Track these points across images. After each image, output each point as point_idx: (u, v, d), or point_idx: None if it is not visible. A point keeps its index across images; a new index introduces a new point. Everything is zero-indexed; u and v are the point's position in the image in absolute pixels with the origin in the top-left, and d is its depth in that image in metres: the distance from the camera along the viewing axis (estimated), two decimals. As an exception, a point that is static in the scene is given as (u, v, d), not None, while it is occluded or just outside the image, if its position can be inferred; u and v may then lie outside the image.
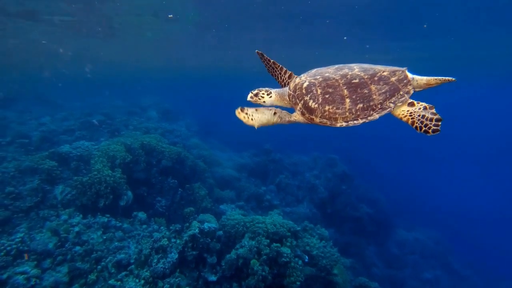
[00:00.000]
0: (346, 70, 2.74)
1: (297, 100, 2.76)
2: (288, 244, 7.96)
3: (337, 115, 2.61)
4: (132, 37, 19.08)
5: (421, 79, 2.69)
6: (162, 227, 8.51)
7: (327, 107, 2.61)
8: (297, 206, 15.88)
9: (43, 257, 6.96)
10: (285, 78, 3.00)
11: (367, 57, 23.15)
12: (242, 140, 25.46)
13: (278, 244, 7.66)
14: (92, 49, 23.39)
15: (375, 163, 30.02)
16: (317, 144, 28.14)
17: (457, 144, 46.76)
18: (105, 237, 7.73)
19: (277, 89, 3.02)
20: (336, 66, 2.91)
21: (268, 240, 7.79)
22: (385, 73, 2.65)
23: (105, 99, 26.77)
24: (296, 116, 2.85)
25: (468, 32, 15.71)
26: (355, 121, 2.61)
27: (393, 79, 2.63)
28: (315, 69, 2.94)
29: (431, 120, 2.46)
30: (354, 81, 2.61)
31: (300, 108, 2.75)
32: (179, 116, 22.26)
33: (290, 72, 2.96)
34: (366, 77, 2.64)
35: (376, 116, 2.59)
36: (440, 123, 2.43)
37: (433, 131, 2.43)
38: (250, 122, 2.90)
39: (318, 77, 2.74)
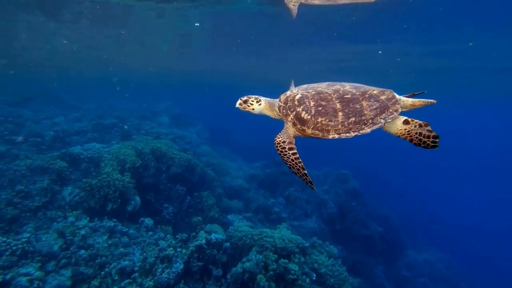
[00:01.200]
0: (338, 86, 2.87)
1: (288, 111, 2.84)
2: (296, 260, 7.75)
3: (329, 127, 2.70)
4: (149, 44, 19.34)
5: (407, 100, 2.85)
6: (168, 235, 8.39)
7: (320, 119, 2.70)
8: (305, 221, 15.62)
9: (48, 259, 6.91)
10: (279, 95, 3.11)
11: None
12: (253, 150, 25.37)
13: (286, 260, 7.48)
14: (112, 52, 23.75)
15: (386, 177, 29.49)
16: (329, 158, 27.87)
17: (470, 158, 45.73)
18: (110, 242, 7.65)
19: (267, 98, 3.13)
20: (327, 82, 3.01)
21: (276, 256, 7.60)
22: (375, 92, 2.81)
23: (119, 101, 27.12)
24: (288, 129, 2.93)
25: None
26: (347, 134, 2.70)
27: (382, 97, 2.77)
28: (306, 85, 3.05)
29: (428, 137, 2.62)
30: (346, 96, 2.74)
31: (291, 119, 2.83)
32: (190, 122, 22.34)
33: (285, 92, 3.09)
34: (357, 93, 2.77)
35: (367, 130, 2.71)
36: (437, 139, 2.60)
37: (432, 147, 2.61)
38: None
39: (310, 90, 2.86)
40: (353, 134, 2.71)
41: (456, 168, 41.85)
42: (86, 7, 12.74)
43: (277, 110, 2.99)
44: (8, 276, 5.94)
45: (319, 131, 2.73)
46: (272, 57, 22.71)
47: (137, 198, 9.05)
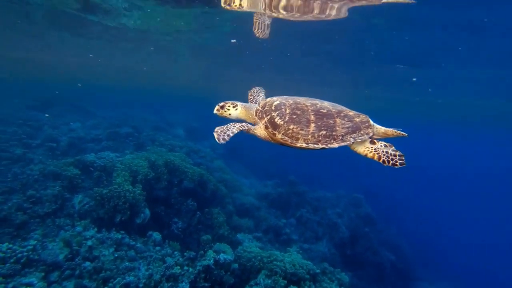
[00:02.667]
0: (317, 102, 3.05)
1: (263, 115, 2.98)
2: (306, 287, 7.40)
3: (299, 136, 2.80)
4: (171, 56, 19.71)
5: (380, 128, 3.00)
6: (175, 252, 8.16)
7: (292, 126, 2.81)
8: (315, 244, 15.28)
9: (52, 269, 6.76)
10: (258, 101, 3.27)
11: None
12: (266, 167, 25.20)
13: (295, 287, 7.15)
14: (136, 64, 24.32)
15: (401, 201, 28.78)
16: (343, 179, 27.45)
17: (492, 183, 44.04)
18: (116, 255, 7.47)
19: (243, 103, 3.23)
20: (308, 97, 3.18)
21: (286, 281, 7.30)
22: (350, 113, 3.00)
23: (136, 111, 27.53)
24: (257, 129, 3.04)
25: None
26: (315, 145, 2.80)
27: (357, 119, 2.93)
28: (286, 96, 3.18)
29: (395, 155, 2.77)
30: (322, 110, 2.90)
31: (265, 122, 2.95)
32: (205, 136, 22.36)
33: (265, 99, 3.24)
34: (333, 110, 2.95)
35: (335, 145, 2.83)
36: (403, 158, 2.76)
37: (400, 164, 2.74)
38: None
39: (289, 100, 3.02)
40: (320, 146, 2.81)
41: (479, 193, 40.38)
42: (103, 30, 13.22)
43: (254, 113, 3.12)
44: (10, 286, 5.81)
45: (288, 137, 2.83)
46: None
47: (147, 211, 8.92)
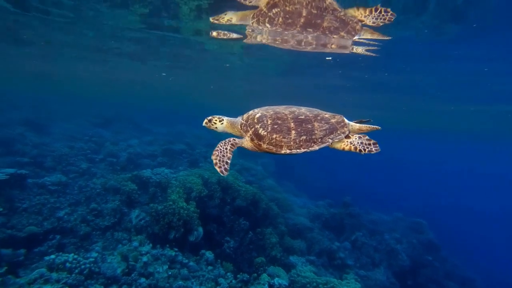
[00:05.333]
0: (295, 109, 3.31)
1: (248, 128, 3.23)
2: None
3: (282, 143, 3.08)
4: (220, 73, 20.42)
5: (355, 125, 3.33)
6: (228, 274, 8.12)
7: (275, 135, 3.08)
8: (372, 271, 14.48)
9: (110, 283, 7.09)
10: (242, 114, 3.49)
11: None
12: (318, 186, 24.65)
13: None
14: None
15: (469, 227, 26.17)
16: (399, 202, 25.93)
17: None
18: (170, 273, 7.64)
19: (229, 118, 3.47)
20: (286, 106, 3.44)
21: (346, 314, 6.83)
22: (326, 115, 3.27)
23: (190, 128, 28.79)
24: (244, 142, 3.29)
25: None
26: (298, 150, 3.09)
27: (333, 120, 3.23)
28: (267, 106, 3.44)
29: (369, 144, 3.16)
30: (300, 117, 3.17)
31: (250, 134, 3.20)
32: (257, 154, 22.53)
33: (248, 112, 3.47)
34: (311, 115, 3.21)
35: (316, 147, 3.12)
36: (377, 145, 3.16)
37: (375, 150, 3.14)
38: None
39: (270, 111, 3.27)
40: (303, 150, 3.10)
41: None
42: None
43: (239, 127, 3.34)
44: (74, 296, 6.18)
45: (273, 146, 3.11)
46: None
47: (200, 229, 9.06)
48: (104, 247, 8.81)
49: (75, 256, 7.06)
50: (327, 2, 4.99)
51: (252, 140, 3.20)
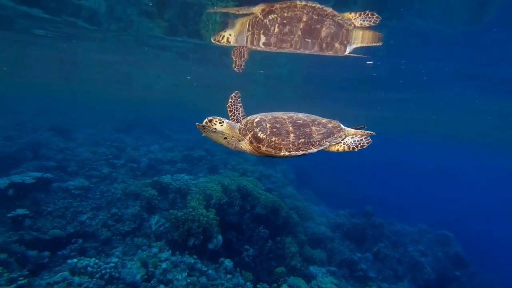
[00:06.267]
0: (292, 114, 3.48)
1: (247, 131, 3.34)
2: None
3: (281, 146, 3.20)
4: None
5: (350, 130, 3.47)
6: (248, 283, 8.04)
7: (273, 138, 3.20)
8: (396, 284, 14.21)
9: (130, 289, 7.16)
10: (239, 119, 3.65)
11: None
12: (338, 195, 24.29)
13: None
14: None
15: (500, 242, 24.99)
16: (423, 212, 25.17)
17: None
18: (189, 281, 7.63)
19: (229, 121, 3.54)
20: (284, 112, 3.59)
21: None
22: (323, 121, 3.45)
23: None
24: (243, 145, 3.40)
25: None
26: (296, 152, 3.21)
27: (329, 125, 3.39)
28: (265, 112, 3.58)
29: (361, 140, 3.35)
30: (298, 121, 3.33)
31: (249, 138, 3.31)
32: (276, 161, 22.48)
33: (245, 116, 3.61)
34: (308, 120, 3.38)
35: (314, 150, 3.25)
36: (369, 138, 3.35)
37: (367, 143, 3.33)
38: (204, 134, 3.38)
39: (268, 115, 3.43)
40: (301, 152, 3.22)
41: None
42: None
43: (238, 131, 3.44)
44: (95, 301, 6.26)
45: (272, 148, 3.21)
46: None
47: (219, 237, 9.04)
48: (124, 252, 8.93)
49: (96, 261, 7.18)
50: (328, 11, 5.48)
51: (251, 143, 3.31)
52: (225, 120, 3.53)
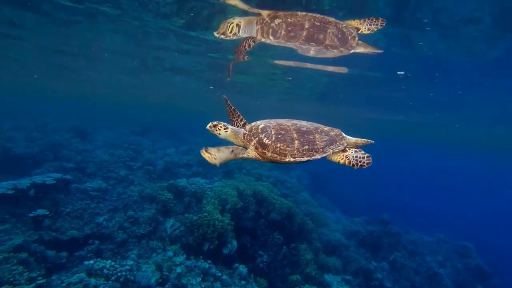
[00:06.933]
0: (296, 121, 3.57)
1: (252, 137, 3.37)
2: None
3: (286, 152, 3.25)
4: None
5: (351, 139, 3.57)
6: (262, 291, 7.97)
7: (279, 144, 3.26)
8: None
9: (144, 292, 7.20)
10: (239, 123, 3.63)
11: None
12: (353, 202, 23.95)
13: None
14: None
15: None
16: (441, 221, 24.52)
17: None
18: (203, 286, 7.62)
19: (233, 127, 3.57)
20: (287, 119, 3.68)
21: None
22: (326, 129, 3.54)
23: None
24: (249, 152, 3.39)
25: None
26: (301, 158, 3.27)
27: (332, 133, 3.48)
28: (268, 119, 3.64)
29: (363, 158, 3.35)
30: (302, 128, 3.41)
31: (254, 143, 3.34)
32: (291, 167, 22.35)
33: (245, 120, 3.60)
34: (312, 128, 3.46)
35: (318, 156, 3.32)
36: (370, 158, 3.33)
37: (367, 164, 3.32)
38: (213, 161, 3.33)
39: (272, 122, 3.49)
40: (306, 158, 3.29)
41: None
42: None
43: (242, 137, 3.46)
44: (110, 304, 6.32)
45: (277, 154, 3.26)
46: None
47: (234, 242, 9.01)
48: (139, 255, 9.01)
49: (112, 263, 7.26)
50: (331, 19, 5.72)
51: (256, 148, 3.34)
52: (230, 127, 3.54)
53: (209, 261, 8.45)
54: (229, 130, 3.51)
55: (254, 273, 9.06)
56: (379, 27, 5.68)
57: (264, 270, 9.83)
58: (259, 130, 3.38)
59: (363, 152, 3.41)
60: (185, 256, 8.48)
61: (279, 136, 3.30)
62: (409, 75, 11.65)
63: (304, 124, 3.52)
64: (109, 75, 21.51)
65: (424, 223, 22.58)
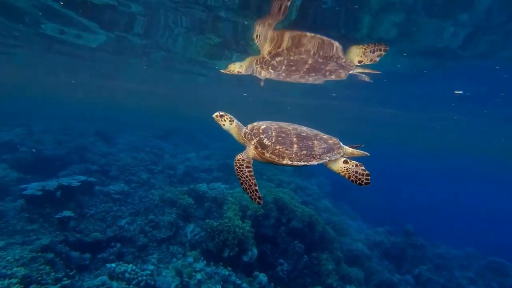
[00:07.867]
0: (296, 126, 3.66)
1: (252, 137, 3.48)
2: None
3: (285, 155, 3.33)
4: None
5: (348, 149, 3.62)
6: (282, 301, 7.83)
7: (278, 146, 3.34)
8: None
9: (165, 297, 7.21)
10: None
11: None
12: (376, 211, 23.39)
13: None
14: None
15: None
16: (470, 233, 23.47)
17: None
18: (223, 293, 7.57)
19: (238, 122, 3.68)
20: (288, 123, 3.77)
21: None
22: (324, 136, 3.59)
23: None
24: (248, 151, 3.51)
25: None
26: (298, 162, 3.34)
27: (330, 141, 3.54)
28: (270, 121, 3.72)
29: (362, 175, 3.36)
30: (302, 134, 3.49)
31: (254, 143, 3.45)
32: (312, 173, 22.08)
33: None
34: (311, 134, 3.53)
35: (314, 162, 3.38)
36: (369, 178, 3.36)
37: (365, 183, 3.35)
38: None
39: (274, 124, 3.58)
40: (303, 163, 3.36)
41: None
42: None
43: (243, 135, 3.59)
44: (131, 308, 6.36)
45: (275, 156, 3.34)
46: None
47: (255, 250, 8.92)
48: (159, 260, 9.07)
49: (133, 267, 7.33)
50: (334, 50, 5.86)
51: (256, 148, 3.43)
52: (235, 120, 3.68)
53: (229, 268, 8.38)
54: (234, 123, 3.64)
55: (274, 282, 8.92)
56: (383, 53, 5.71)
57: (284, 279, 9.66)
58: (260, 131, 3.47)
59: (363, 168, 3.40)
60: (205, 262, 8.45)
61: (280, 138, 3.39)
62: (468, 94, 11.68)
63: (304, 129, 3.60)
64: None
65: (449, 235, 21.72)
